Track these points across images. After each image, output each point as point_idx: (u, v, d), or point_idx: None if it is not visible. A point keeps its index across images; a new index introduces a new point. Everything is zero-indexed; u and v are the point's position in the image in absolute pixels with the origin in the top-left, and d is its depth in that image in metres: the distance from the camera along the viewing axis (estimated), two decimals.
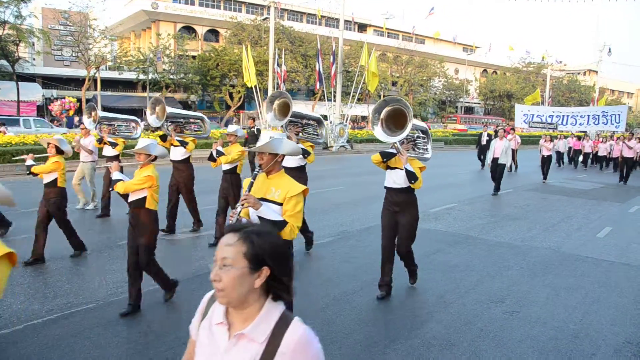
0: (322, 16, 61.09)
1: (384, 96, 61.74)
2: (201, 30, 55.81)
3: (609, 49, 53.13)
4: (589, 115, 20.85)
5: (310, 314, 5.40)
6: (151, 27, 53.87)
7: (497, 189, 14.74)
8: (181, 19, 53.43)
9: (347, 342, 4.80)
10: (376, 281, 6.18)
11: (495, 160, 14.89)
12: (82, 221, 9.95)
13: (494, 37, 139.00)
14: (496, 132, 19.88)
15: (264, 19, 45.32)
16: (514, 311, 5.77)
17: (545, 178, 18.45)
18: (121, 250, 7.54)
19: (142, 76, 42.52)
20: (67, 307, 5.40)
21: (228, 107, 48.59)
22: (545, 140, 18.82)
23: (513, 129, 21.79)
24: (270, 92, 32.46)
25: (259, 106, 33.19)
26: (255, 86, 31.21)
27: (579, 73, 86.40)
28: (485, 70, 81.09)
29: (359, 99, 45.78)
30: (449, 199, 13.51)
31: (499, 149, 14.79)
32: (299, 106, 41.86)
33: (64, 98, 31.13)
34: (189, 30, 54.60)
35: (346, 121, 30.38)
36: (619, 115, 20.32)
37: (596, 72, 63.69)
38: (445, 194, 14.30)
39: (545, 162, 18.53)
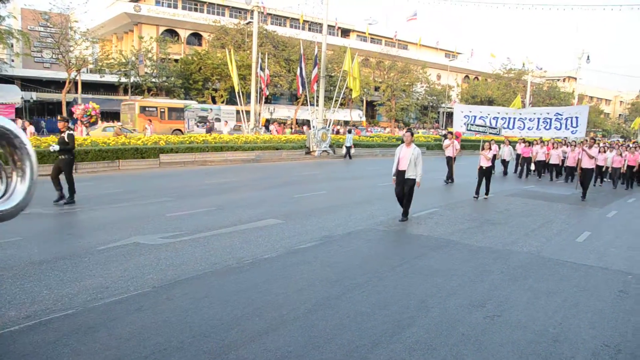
0: (305, 21, 61.28)
1: (366, 101, 62.26)
2: (184, 34, 55.63)
3: (588, 57, 54.10)
4: (539, 119, 17.28)
5: (291, 319, 5.38)
6: (133, 30, 53.57)
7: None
8: (164, 22, 53.21)
9: (329, 347, 4.79)
10: (359, 286, 6.20)
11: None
12: (61, 226, 9.86)
13: (476, 43, 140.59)
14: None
15: (247, 23, 45.34)
16: (495, 315, 5.81)
17: (477, 193, 15.15)
18: (102, 255, 7.46)
19: (123, 79, 42.22)
20: (46, 313, 5.32)
21: None
22: (484, 148, 15.12)
23: (451, 133, 19.85)
24: (253, 96, 32.44)
25: (242, 110, 33.15)
26: (238, 91, 31.18)
27: (558, 79, 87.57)
28: (467, 76, 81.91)
29: (341, 104, 45.98)
30: (431, 203, 13.58)
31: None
32: (282, 110, 42.17)
33: (88, 103, 30.29)
34: (171, 33, 54.40)
35: (329, 126, 30.42)
36: (576, 118, 16.61)
37: (575, 78, 64.59)
38: (427, 198, 14.36)
39: (484, 174, 15.01)
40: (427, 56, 74.11)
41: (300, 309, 5.68)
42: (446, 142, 19.42)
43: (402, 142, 11.04)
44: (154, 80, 43.18)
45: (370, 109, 67.24)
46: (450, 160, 18.75)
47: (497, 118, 17.72)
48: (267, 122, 45.32)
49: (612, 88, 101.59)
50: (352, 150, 29.30)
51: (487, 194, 15.29)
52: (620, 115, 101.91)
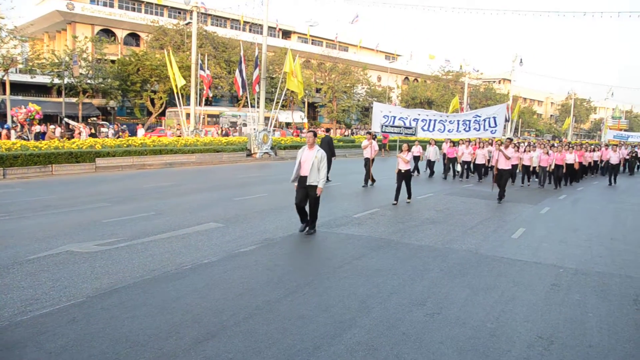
0: (246, 22, 60.84)
1: (308, 103, 62.40)
2: (121, 34, 54.14)
3: (521, 60, 56.36)
4: (458, 121, 16.83)
5: (231, 324, 5.28)
6: (67, 28, 51.68)
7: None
8: (99, 21, 51.60)
9: (270, 352, 4.72)
10: (300, 288, 6.17)
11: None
12: None
13: (415, 46, 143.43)
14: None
15: (186, 24, 44.53)
16: (434, 313, 5.89)
17: (397, 199, 14.09)
18: (31, 265, 7.12)
19: (57, 80, 40.61)
20: None
21: (150, 114, 47.31)
22: (403, 150, 14.10)
23: (370, 133, 19.20)
24: (193, 98, 31.92)
25: (181, 114, 32.57)
26: (178, 92, 30.59)
27: (494, 81, 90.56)
28: (406, 78, 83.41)
29: (283, 106, 45.84)
30: (372, 204, 13.71)
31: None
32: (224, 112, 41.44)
33: (28, 105, 28.75)
34: (107, 33, 52.82)
35: (270, 127, 30.29)
36: (494, 118, 16.15)
37: (510, 80, 66.91)
38: (368, 199, 14.49)
39: (403, 177, 14.12)
40: (368, 58, 75.02)
41: (241, 314, 5.59)
42: (364, 142, 18.79)
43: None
44: (89, 81, 41.73)
45: (312, 110, 67.47)
46: (368, 162, 17.94)
47: (417, 120, 16.99)
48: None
49: (544, 90, 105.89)
50: None
51: (409, 197, 14.48)
52: (551, 115, 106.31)
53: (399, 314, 5.81)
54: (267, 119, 32.37)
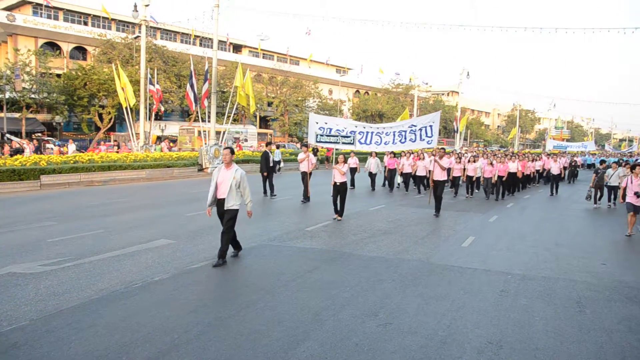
0: (196, 36, 60.32)
1: (260, 116, 62.25)
2: (66, 47, 52.75)
3: (468, 73, 57.84)
4: (394, 132, 15.89)
5: (183, 342, 5.20)
6: (7, 41, 50.04)
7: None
8: (43, 34, 50.11)
9: None
10: (252, 303, 6.12)
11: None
12: None
13: (365, 59, 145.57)
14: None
15: (135, 38, 43.80)
16: (387, 323, 5.95)
17: (337, 212, 13.71)
18: None
19: None
20: None
21: (98, 129, 46.17)
22: (339, 162, 13.83)
23: (306, 145, 18.31)
24: (142, 113, 31.38)
25: (131, 128, 31.93)
26: (126, 107, 29.99)
27: (443, 94, 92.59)
28: (357, 91, 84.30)
29: (234, 120, 45.62)
30: (324, 216, 13.74)
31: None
32: (174, 127, 41.12)
33: None
34: (52, 46, 51.38)
35: (221, 142, 30.06)
36: (430, 126, 15.32)
37: (458, 93, 68.57)
38: (320, 212, 14.54)
39: (338, 191, 13.57)
40: (319, 72, 75.52)
41: (193, 332, 5.50)
42: (300, 155, 17.85)
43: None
44: (33, 96, 40.39)
45: (264, 124, 67.34)
46: (305, 176, 17.11)
47: (355, 132, 16.10)
48: (158, 140, 44.01)
49: (490, 101, 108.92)
50: (281, 164, 28.82)
51: (340, 215, 13.62)
52: (498, 126, 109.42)
53: (352, 325, 5.84)
54: (218, 133, 32.14)
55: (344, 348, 5.21)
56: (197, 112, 30.50)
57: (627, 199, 12.93)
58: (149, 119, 33.84)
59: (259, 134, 50.31)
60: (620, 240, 12.45)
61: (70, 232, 10.75)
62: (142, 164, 24.62)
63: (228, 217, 8.40)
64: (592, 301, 7.14)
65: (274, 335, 5.46)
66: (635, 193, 12.62)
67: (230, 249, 8.90)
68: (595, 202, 19.27)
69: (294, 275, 7.90)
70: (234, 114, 32.58)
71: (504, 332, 5.81)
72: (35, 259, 8.42)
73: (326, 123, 16.53)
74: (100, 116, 44.82)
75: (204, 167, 28.10)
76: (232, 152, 8.70)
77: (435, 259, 9.39)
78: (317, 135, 16.07)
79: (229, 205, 8.38)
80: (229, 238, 8.59)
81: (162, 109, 37.55)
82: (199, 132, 33.84)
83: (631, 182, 12.85)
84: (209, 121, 29.58)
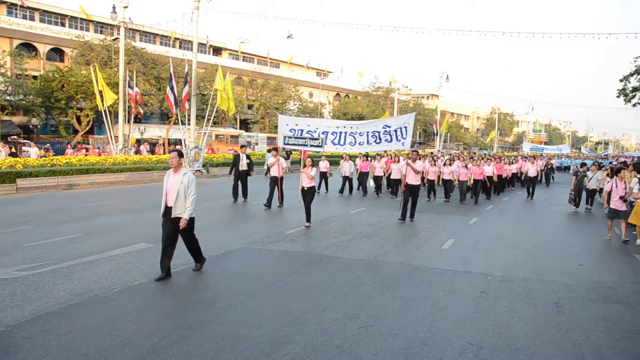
0: (176, 38, 59.91)
1: (240, 119, 62.05)
2: (43, 49, 52.00)
3: (447, 76, 58.52)
4: (368, 132, 15.35)
5: (163, 347, 5.15)
6: None
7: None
8: (19, 34, 49.34)
9: None
10: (233, 307, 6.11)
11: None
12: None
13: (345, 62, 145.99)
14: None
15: (113, 39, 43.35)
16: (368, 325, 5.96)
17: (307, 219, 13.13)
18: None
19: None
20: None
21: (76, 132, 45.59)
22: (306, 165, 13.27)
23: (276, 149, 17.35)
24: (121, 115, 31.08)
25: (110, 130, 31.60)
26: (105, 110, 29.68)
27: (423, 97, 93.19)
28: (338, 94, 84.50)
29: (215, 122, 45.37)
30: (305, 220, 13.69)
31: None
32: (153, 130, 40.74)
33: None
34: (28, 47, 50.62)
35: (202, 145, 29.89)
36: (405, 128, 14.83)
37: (438, 96, 69.08)
38: (301, 215, 14.51)
39: (306, 195, 13.12)
40: (299, 75, 75.54)
41: (173, 336, 5.45)
42: (270, 159, 17.28)
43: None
44: (8, 97, 39.72)
45: (244, 126, 67.14)
46: (275, 181, 16.42)
47: (327, 132, 15.43)
48: (138, 143, 43.60)
49: (470, 105, 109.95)
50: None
51: (308, 220, 13.05)
52: (478, 129, 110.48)
53: (333, 328, 5.84)
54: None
55: (325, 351, 5.20)
56: (176, 115, 30.25)
57: (612, 204, 12.83)
58: (128, 122, 33.49)
59: (268, 138, 51.50)
60: (597, 242, 12.63)
61: (48, 236, 10.59)
62: (121, 167, 24.38)
63: (184, 230, 7.73)
64: (571, 301, 7.24)
65: (255, 339, 5.43)
66: (621, 197, 12.67)
67: (193, 263, 8.37)
68: (576, 206, 18.90)
69: (275, 278, 7.88)
70: (214, 116, 32.36)
71: (485, 333, 5.86)
72: (11, 264, 8.28)
73: (296, 125, 15.90)
74: (78, 119, 44.28)
75: None
76: (181, 155, 8.00)
77: (416, 261, 9.43)
78: (285, 137, 15.48)
79: (176, 212, 7.61)
80: (197, 246, 8.23)
81: (142, 111, 37.17)
82: (216, 136, 34.91)
83: (616, 186, 12.82)
84: (189, 124, 29.38)
